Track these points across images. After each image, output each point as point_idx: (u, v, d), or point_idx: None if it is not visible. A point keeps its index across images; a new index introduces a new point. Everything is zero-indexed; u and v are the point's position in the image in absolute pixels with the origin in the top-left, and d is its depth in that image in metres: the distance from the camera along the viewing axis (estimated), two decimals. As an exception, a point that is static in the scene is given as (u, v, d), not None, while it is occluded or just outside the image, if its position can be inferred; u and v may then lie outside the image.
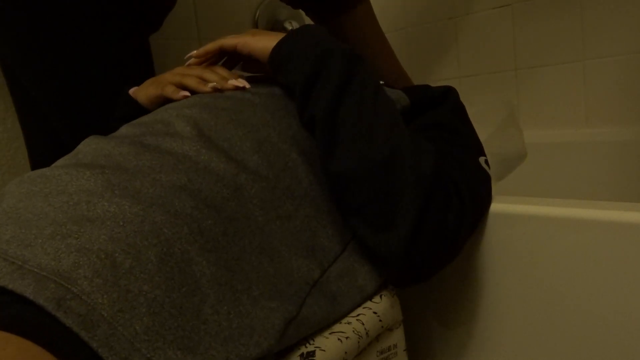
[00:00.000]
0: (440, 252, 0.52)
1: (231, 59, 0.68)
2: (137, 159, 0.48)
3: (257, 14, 1.32)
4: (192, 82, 0.61)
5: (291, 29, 0.60)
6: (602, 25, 1.13)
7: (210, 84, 0.60)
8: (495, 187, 0.66)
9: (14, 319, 0.34)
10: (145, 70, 0.82)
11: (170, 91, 0.61)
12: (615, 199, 0.59)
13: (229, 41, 0.63)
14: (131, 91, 0.68)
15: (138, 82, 0.69)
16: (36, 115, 0.84)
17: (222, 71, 0.64)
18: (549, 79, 1.22)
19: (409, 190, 0.50)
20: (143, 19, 0.82)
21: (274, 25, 1.34)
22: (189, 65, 0.67)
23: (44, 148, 0.85)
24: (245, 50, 0.62)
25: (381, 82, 0.73)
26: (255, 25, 1.32)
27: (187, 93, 0.60)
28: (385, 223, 0.50)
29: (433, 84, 0.95)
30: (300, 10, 1.37)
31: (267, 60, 0.60)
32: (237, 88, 0.60)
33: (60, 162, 0.52)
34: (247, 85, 0.61)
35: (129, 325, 0.36)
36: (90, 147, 0.51)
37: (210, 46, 0.65)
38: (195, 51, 0.66)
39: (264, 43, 0.60)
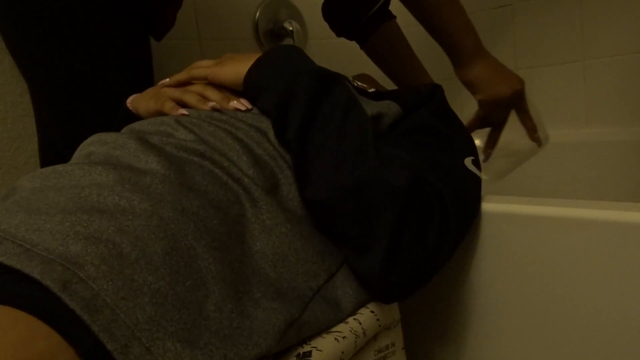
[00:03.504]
0: (419, 270, 0.52)
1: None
2: (146, 156, 0.48)
3: (257, 14, 1.32)
4: (191, 100, 0.61)
5: (262, 52, 0.59)
6: (602, 25, 1.12)
7: (210, 103, 0.60)
8: (495, 186, 0.65)
9: (23, 297, 0.35)
10: (145, 70, 0.82)
11: (168, 108, 0.61)
12: (615, 199, 0.59)
13: (199, 72, 0.63)
14: (130, 99, 0.68)
15: (136, 84, 0.68)
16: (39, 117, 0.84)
17: (224, 90, 0.63)
18: (549, 79, 1.22)
19: (382, 211, 0.50)
20: (142, 19, 0.81)
21: (274, 25, 1.34)
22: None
23: (48, 147, 0.86)
24: (216, 81, 0.62)
25: (371, 90, 0.72)
26: (256, 25, 1.32)
27: (184, 111, 0.60)
28: (363, 246, 0.51)
29: (433, 84, 0.94)
30: (300, 11, 1.37)
31: (241, 89, 0.60)
32: (237, 109, 0.60)
33: (73, 160, 0.53)
34: (249, 107, 0.60)
35: (132, 313, 0.36)
36: (101, 148, 0.52)
37: (182, 76, 0.64)
38: (167, 80, 0.66)
39: (233, 72, 0.60)
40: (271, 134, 0.57)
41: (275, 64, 0.58)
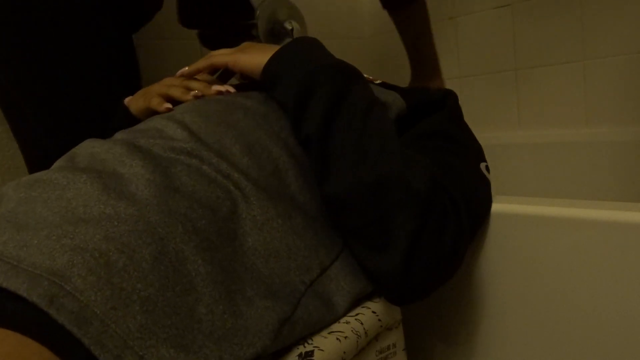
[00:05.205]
0: (437, 271, 0.52)
1: (226, 72, 0.68)
2: (131, 160, 0.48)
3: (257, 14, 1.31)
4: (176, 93, 0.62)
5: (283, 44, 0.60)
6: (602, 25, 1.12)
7: (192, 92, 0.62)
8: (495, 187, 0.66)
9: (11, 315, 0.34)
10: (131, 69, 0.81)
11: (155, 103, 0.62)
12: (615, 199, 0.59)
13: (220, 59, 0.63)
14: (126, 101, 0.68)
15: (122, 83, 0.69)
16: (21, 118, 0.83)
17: (207, 77, 0.64)
18: (549, 79, 1.22)
19: (402, 211, 0.49)
20: (126, 18, 0.81)
21: (274, 25, 1.34)
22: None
23: (33, 148, 0.85)
24: (237, 68, 0.62)
25: (377, 82, 0.72)
26: (255, 25, 1.31)
27: (169, 105, 0.61)
28: (381, 244, 0.50)
29: (433, 84, 0.94)
30: (300, 11, 1.37)
31: (260, 78, 0.60)
32: (219, 93, 0.61)
33: (57, 164, 0.52)
34: (231, 90, 0.61)
35: (122, 323, 0.36)
36: (86, 151, 0.51)
37: (202, 64, 0.65)
38: (186, 68, 0.66)
39: (254, 60, 0.60)
40: (271, 117, 0.57)
41: (296, 56, 0.57)
